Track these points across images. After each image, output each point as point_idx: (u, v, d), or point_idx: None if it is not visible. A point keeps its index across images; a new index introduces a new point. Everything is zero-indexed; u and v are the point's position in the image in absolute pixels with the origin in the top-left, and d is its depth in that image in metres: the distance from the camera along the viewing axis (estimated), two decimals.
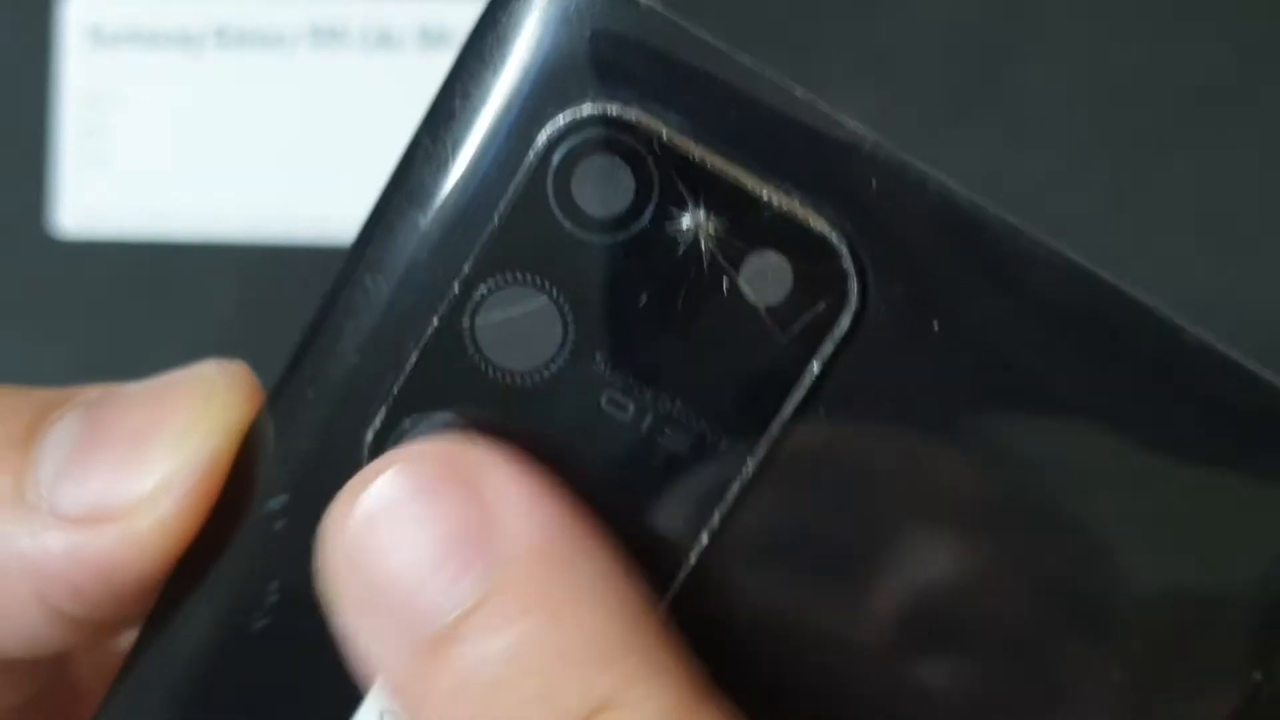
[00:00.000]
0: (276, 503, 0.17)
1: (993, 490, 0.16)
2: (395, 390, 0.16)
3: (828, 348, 0.15)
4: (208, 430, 0.16)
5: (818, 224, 0.15)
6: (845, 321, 0.15)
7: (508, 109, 0.16)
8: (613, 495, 0.16)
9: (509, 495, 0.15)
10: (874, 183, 0.15)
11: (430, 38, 0.43)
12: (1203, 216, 0.41)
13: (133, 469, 0.16)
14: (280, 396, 0.17)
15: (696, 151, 0.15)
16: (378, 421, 0.16)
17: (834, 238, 0.15)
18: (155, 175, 0.44)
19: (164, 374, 0.17)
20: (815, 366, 0.15)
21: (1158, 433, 0.16)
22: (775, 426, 0.16)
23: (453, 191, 0.16)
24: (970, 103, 0.41)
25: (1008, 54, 0.41)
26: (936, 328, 0.15)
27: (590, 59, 0.15)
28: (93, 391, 0.17)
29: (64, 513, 0.16)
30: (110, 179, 0.44)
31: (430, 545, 0.15)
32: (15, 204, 0.44)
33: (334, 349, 0.16)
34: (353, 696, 0.17)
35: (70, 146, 0.44)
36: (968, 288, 0.15)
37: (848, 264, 0.15)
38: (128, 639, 0.18)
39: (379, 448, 0.16)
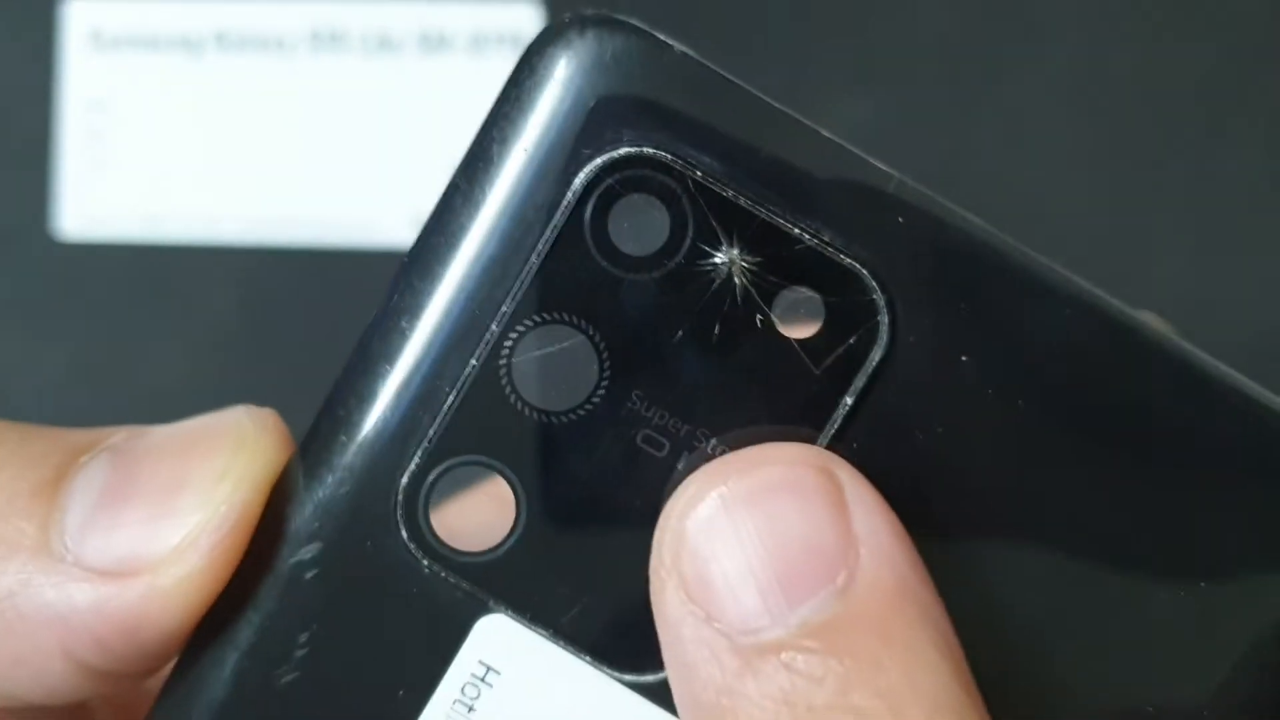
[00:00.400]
0: (308, 552, 0.16)
1: (1022, 521, 0.16)
2: (432, 434, 0.16)
3: (860, 381, 0.16)
4: (237, 482, 0.16)
5: (848, 259, 0.16)
6: (877, 355, 0.16)
7: (544, 152, 0.16)
8: (646, 536, 0.16)
9: (876, 526, 0.15)
10: (901, 219, 0.16)
11: (430, 42, 0.43)
12: (1199, 219, 0.41)
13: (161, 522, 0.16)
14: (313, 444, 0.17)
15: (729, 191, 0.16)
16: (413, 465, 0.16)
17: (864, 272, 0.16)
18: (156, 179, 0.44)
19: (193, 419, 0.17)
20: (848, 400, 0.16)
21: (1184, 468, 0.16)
22: None
23: (490, 234, 0.16)
24: (967, 108, 0.41)
25: (1004, 60, 0.41)
26: (965, 361, 0.16)
27: (625, 102, 0.16)
28: (120, 434, 0.17)
29: (90, 565, 0.16)
30: (111, 182, 0.44)
31: (786, 550, 0.15)
32: (17, 207, 0.44)
33: (368, 395, 0.16)
34: None
35: (72, 150, 0.44)
36: (995, 322, 0.16)
37: (878, 298, 0.16)
38: (153, 683, 0.18)
39: (413, 492, 0.16)
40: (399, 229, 0.43)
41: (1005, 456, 0.16)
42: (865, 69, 0.42)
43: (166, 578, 0.16)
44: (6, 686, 0.17)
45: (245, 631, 0.17)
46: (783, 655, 0.15)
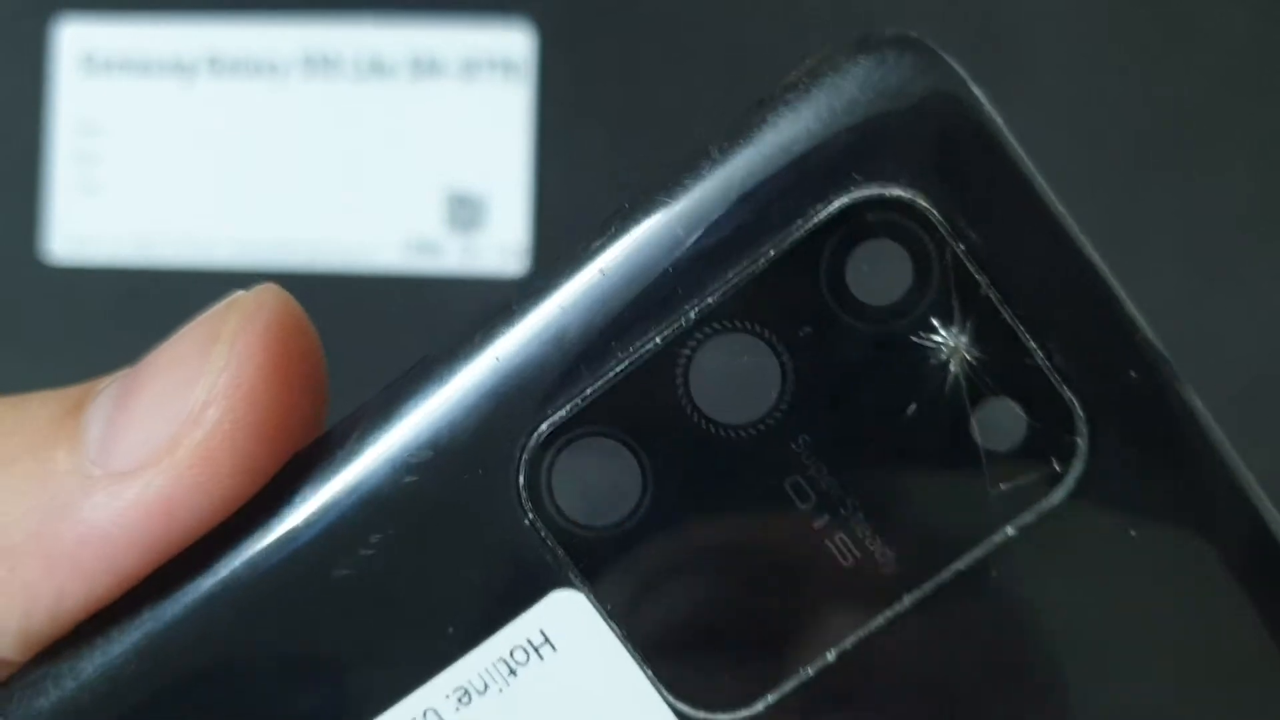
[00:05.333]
0: (416, 457, 0.15)
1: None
2: (588, 393, 0.15)
3: (1029, 517, 0.15)
4: (231, 340, 0.16)
5: (1070, 394, 0.15)
6: (1057, 498, 0.15)
7: (813, 155, 0.15)
8: (753, 578, 0.15)
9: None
10: (1134, 377, 0.15)
11: (422, 67, 0.44)
12: (1186, 245, 0.41)
13: (167, 402, 0.16)
14: (453, 356, 0.16)
15: (985, 277, 0.15)
16: (558, 416, 0.15)
17: (1080, 414, 0.15)
18: (146, 202, 0.44)
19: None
20: (1010, 530, 0.15)
21: None
22: (946, 574, 0.15)
23: (724, 217, 0.15)
24: None
25: (991, 89, 0.41)
26: (1133, 537, 0.15)
27: (917, 145, 0.15)
28: None
29: (117, 469, 0.16)
30: (102, 206, 0.44)
31: None
32: (7, 230, 0.44)
33: (533, 331, 0.15)
34: (412, 668, 0.16)
35: (62, 173, 0.44)
36: (1177, 519, 0.15)
37: (1083, 443, 0.15)
38: None
39: (547, 444, 0.15)
40: (391, 252, 0.43)
41: (1116, 653, 0.15)
42: None
43: (184, 453, 0.16)
44: (50, 617, 0.16)
45: (309, 513, 0.16)
46: None
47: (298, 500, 0.16)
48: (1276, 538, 0.15)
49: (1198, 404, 0.15)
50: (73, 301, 0.44)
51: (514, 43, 0.43)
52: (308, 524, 0.16)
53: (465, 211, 0.43)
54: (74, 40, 0.44)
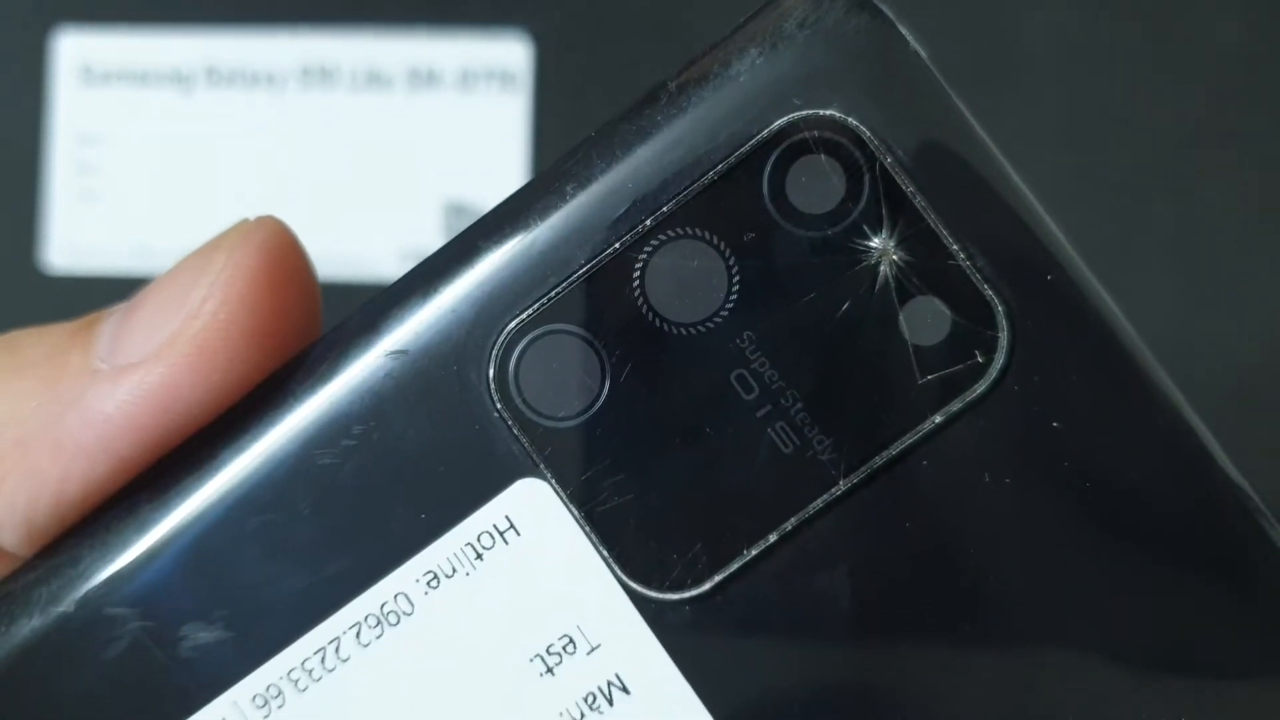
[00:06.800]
0: (393, 358, 0.17)
1: (1068, 590, 0.16)
2: (552, 294, 0.17)
3: (954, 406, 0.16)
4: (231, 248, 0.17)
5: (990, 292, 0.16)
6: (981, 388, 0.16)
7: (757, 84, 0.17)
8: (701, 465, 0.17)
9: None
10: (1050, 279, 0.16)
11: (419, 78, 0.44)
12: (1183, 261, 0.41)
13: (176, 299, 0.17)
14: (433, 264, 0.17)
15: (910, 187, 0.16)
16: (524, 315, 0.17)
17: (1000, 310, 0.16)
18: (144, 212, 0.44)
19: None
20: (938, 418, 0.16)
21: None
22: (879, 460, 0.16)
23: (679, 140, 0.17)
24: None
25: (987, 102, 0.41)
26: (1054, 428, 0.16)
27: (849, 73, 0.17)
28: None
29: (122, 363, 0.17)
30: (100, 215, 0.44)
31: None
32: (5, 240, 0.44)
33: (505, 240, 0.17)
34: (386, 553, 0.17)
35: (61, 183, 0.44)
36: (1095, 411, 0.16)
37: (1004, 337, 0.16)
38: None
39: (514, 340, 0.17)
40: (388, 262, 0.43)
41: (1044, 535, 0.16)
42: None
43: (182, 343, 0.17)
44: (54, 504, 0.17)
45: (297, 407, 0.17)
46: None
47: (288, 396, 0.17)
48: (1188, 421, 0.16)
49: (1110, 303, 0.16)
50: (71, 310, 0.43)
51: (511, 54, 0.44)
52: (296, 417, 0.17)
53: (463, 222, 0.43)
54: (72, 50, 0.45)
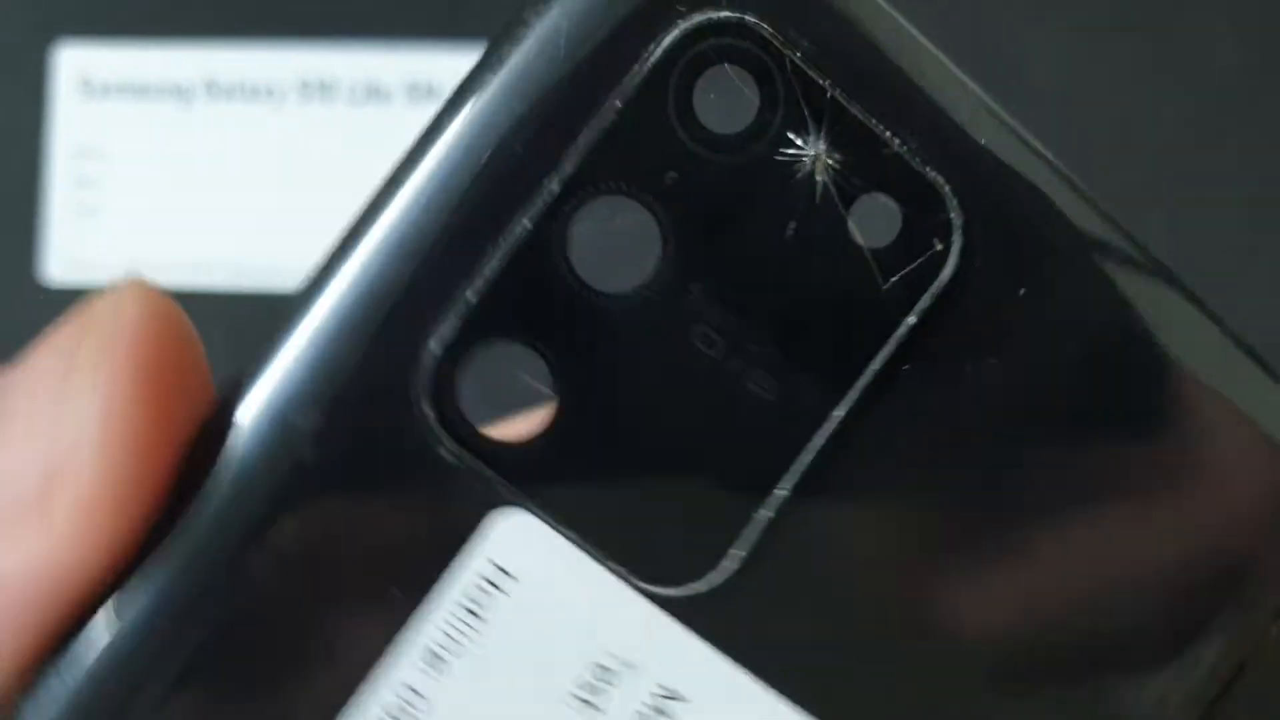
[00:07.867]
0: (306, 421, 0.14)
1: (1070, 464, 0.16)
2: (472, 298, 0.14)
3: (926, 301, 0.15)
4: (111, 354, 0.14)
5: (933, 173, 0.15)
6: (946, 275, 0.15)
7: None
8: (686, 440, 0.15)
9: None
10: (986, 145, 0.15)
11: (418, 92, 0.44)
12: (1182, 264, 0.41)
13: (35, 439, 0.14)
14: (308, 301, 0.15)
15: (827, 80, 0.14)
16: (448, 333, 0.14)
17: (946, 190, 0.15)
18: (144, 225, 0.44)
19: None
20: (912, 318, 0.15)
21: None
22: (866, 378, 0.15)
23: (558, 76, 0.14)
24: None
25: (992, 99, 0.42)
26: (1022, 295, 0.15)
27: None
28: None
29: None
30: (99, 228, 0.44)
31: None
32: (4, 252, 0.44)
33: (390, 245, 0.14)
34: (365, 648, 0.15)
35: (60, 196, 0.44)
36: (1058, 271, 0.15)
37: (955, 218, 0.15)
38: None
39: (442, 362, 0.14)
40: None
41: (1054, 399, 0.15)
42: None
43: (60, 515, 0.14)
44: None
45: (210, 523, 0.14)
46: None
47: (194, 516, 0.14)
48: (1153, 258, 0.16)
49: (1051, 157, 0.15)
50: None
51: None
52: (210, 536, 0.14)
53: None
54: (72, 63, 0.45)
